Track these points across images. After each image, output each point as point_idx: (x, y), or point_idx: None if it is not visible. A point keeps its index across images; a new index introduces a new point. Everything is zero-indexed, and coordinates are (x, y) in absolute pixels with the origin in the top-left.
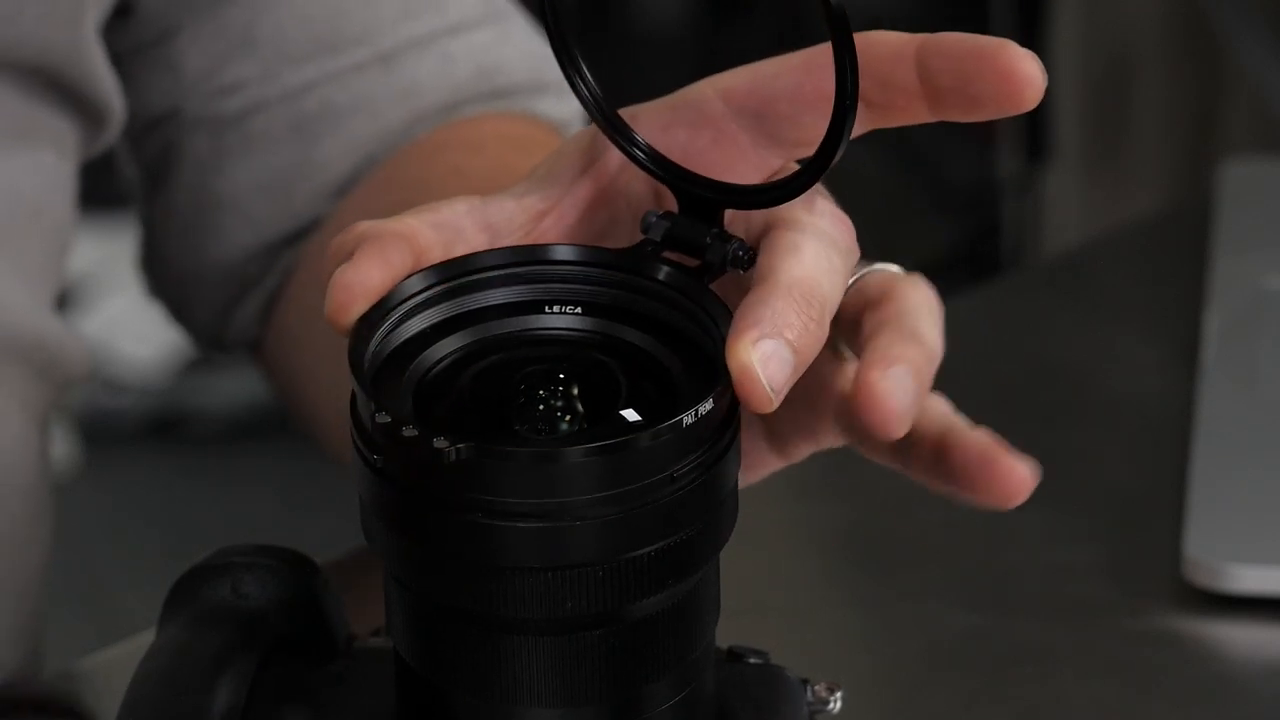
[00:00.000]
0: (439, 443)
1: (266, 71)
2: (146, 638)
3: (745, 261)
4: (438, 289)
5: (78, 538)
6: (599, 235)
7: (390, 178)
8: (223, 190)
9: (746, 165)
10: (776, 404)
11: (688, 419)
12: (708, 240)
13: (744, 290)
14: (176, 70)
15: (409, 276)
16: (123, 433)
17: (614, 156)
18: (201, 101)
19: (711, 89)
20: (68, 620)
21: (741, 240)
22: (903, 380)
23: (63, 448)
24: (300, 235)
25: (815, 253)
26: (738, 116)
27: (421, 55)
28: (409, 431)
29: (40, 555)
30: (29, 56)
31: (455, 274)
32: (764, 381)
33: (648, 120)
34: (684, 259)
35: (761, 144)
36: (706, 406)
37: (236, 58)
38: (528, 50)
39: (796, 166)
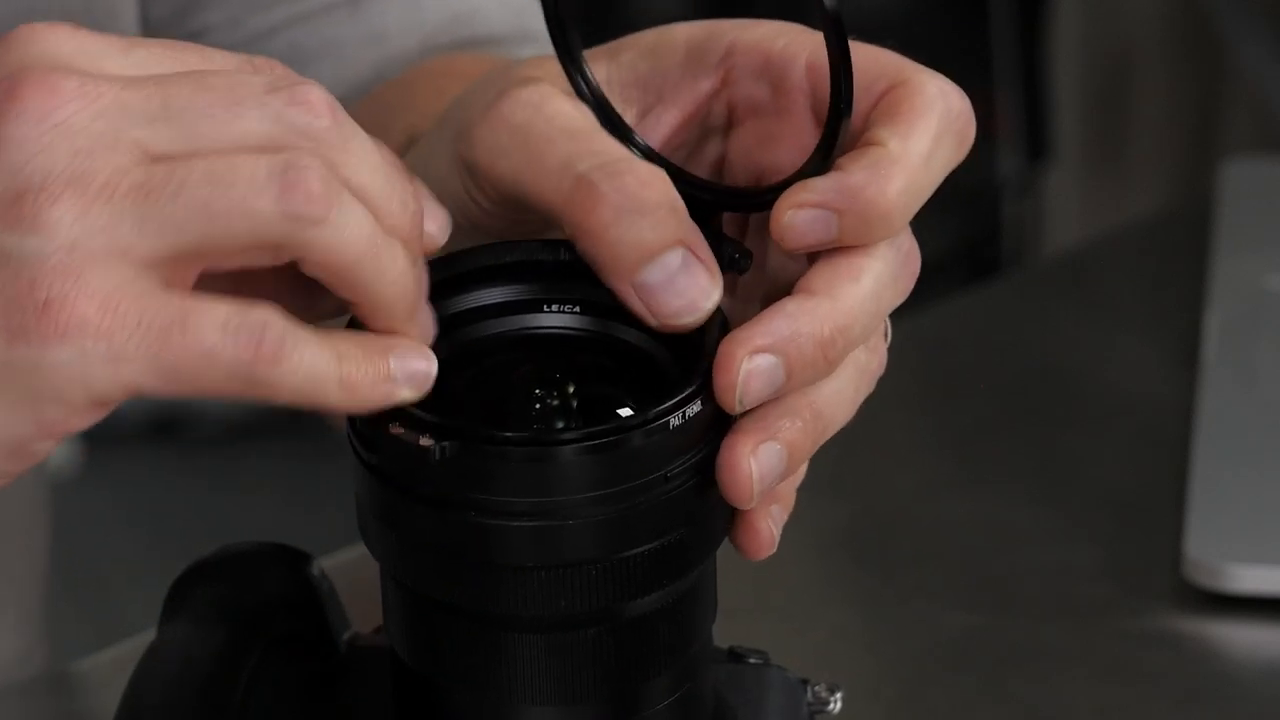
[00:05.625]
0: (425, 440)
1: (231, 17)
2: (146, 638)
3: (741, 265)
4: (435, 287)
5: (78, 537)
6: None
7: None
8: None
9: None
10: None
11: (674, 420)
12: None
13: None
14: (142, 18)
15: None
16: (123, 433)
17: None
18: None
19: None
20: (68, 620)
21: (738, 243)
22: (771, 457)
23: (63, 447)
24: None
25: (867, 290)
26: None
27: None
28: (396, 429)
29: (40, 541)
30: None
31: (453, 272)
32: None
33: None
34: None
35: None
36: (694, 408)
37: (200, 4)
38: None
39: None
